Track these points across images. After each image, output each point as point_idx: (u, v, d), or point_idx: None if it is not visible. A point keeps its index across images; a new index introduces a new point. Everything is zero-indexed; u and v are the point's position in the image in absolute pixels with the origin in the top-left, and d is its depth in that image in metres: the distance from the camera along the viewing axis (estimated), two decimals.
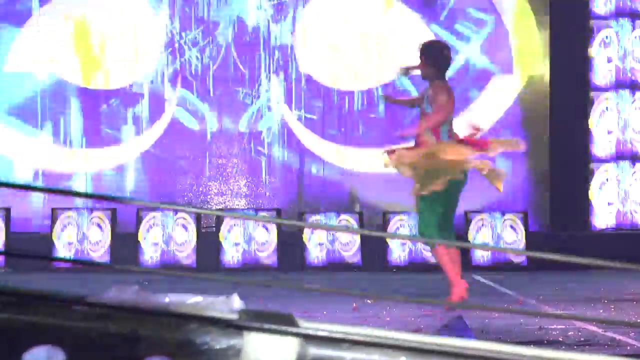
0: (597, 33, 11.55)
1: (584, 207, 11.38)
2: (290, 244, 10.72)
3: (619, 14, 11.54)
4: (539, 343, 5.89)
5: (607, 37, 11.57)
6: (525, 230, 10.94)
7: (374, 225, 11.16)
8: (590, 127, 11.53)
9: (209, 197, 11.81)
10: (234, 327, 1.39)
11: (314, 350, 1.41)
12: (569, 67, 11.51)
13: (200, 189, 11.84)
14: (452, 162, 7.60)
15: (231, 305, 1.43)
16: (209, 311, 1.41)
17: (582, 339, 6.10)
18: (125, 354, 1.37)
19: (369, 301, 7.93)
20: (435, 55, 7.83)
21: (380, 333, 1.43)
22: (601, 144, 11.50)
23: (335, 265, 10.92)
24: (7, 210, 10.83)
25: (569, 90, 11.51)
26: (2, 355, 1.34)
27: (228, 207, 11.69)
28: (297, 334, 1.40)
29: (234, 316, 1.41)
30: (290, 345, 1.40)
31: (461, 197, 7.64)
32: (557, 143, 11.57)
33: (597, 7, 11.56)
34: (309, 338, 1.40)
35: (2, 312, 1.34)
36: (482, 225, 11.11)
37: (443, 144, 7.70)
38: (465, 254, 10.63)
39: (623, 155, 11.48)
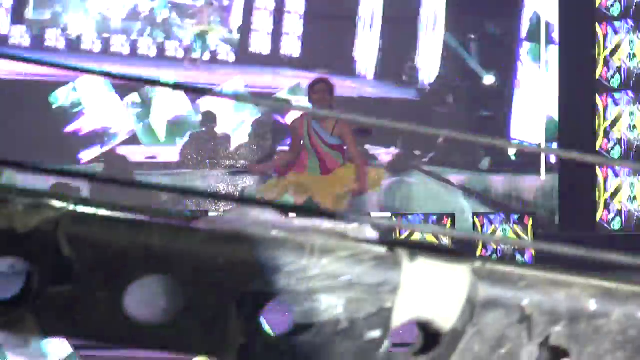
0: (605, 33, 11.18)
1: (593, 208, 11.03)
2: None
3: (627, 14, 11.17)
4: None
5: (615, 37, 11.20)
6: (533, 232, 10.54)
7: None
8: (598, 127, 11.17)
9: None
10: (394, 258, 1.06)
11: (486, 288, 1.07)
12: (576, 68, 11.17)
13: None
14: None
15: (365, 235, 1.09)
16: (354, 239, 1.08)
17: None
18: (252, 288, 1.03)
19: None
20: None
21: (563, 276, 1.10)
22: (609, 145, 11.14)
23: None
24: None
25: (577, 91, 11.17)
26: (106, 284, 1.01)
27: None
28: (467, 268, 1.07)
29: (384, 247, 1.07)
30: (459, 281, 1.06)
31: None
32: (566, 144, 11.24)
33: (605, 7, 11.18)
34: (480, 274, 1.07)
35: (108, 235, 1.01)
36: (490, 226, 10.73)
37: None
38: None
39: (632, 156, 11.12)
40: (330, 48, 12.20)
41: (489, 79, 12.58)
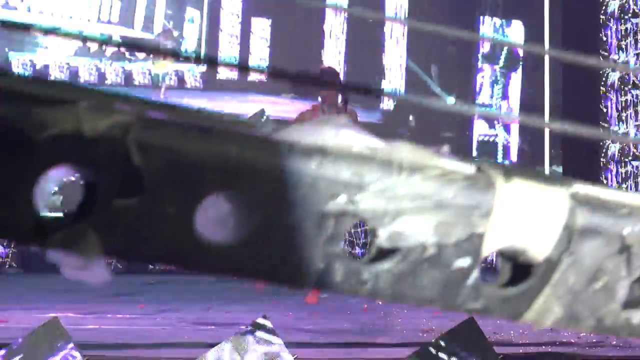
0: (610, 30, 11.19)
1: None
2: None
3: (633, 12, 11.19)
4: (551, 344, 5.48)
5: (621, 34, 11.20)
6: None
7: None
8: (604, 125, 11.15)
9: None
10: (487, 178, 0.95)
11: (585, 214, 0.96)
12: (580, 68, 11.16)
13: None
14: None
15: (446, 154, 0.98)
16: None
17: (594, 340, 5.69)
18: (335, 208, 0.92)
19: (379, 302, 7.51)
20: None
21: None
22: (615, 143, 11.12)
23: None
24: None
25: (582, 88, 11.15)
26: (177, 199, 0.89)
27: None
28: (565, 192, 0.96)
29: (474, 167, 0.96)
30: (557, 206, 0.95)
31: None
32: (571, 143, 11.20)
33: (610, 4, 11.20)
34: (579, 199, 0.96)
35: (183, 143, 0.88)
36: None
37: None
38: None
39: (638, 154, 11.12)
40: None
41: (450, 101, 12.61)
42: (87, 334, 5.76)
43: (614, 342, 5.61)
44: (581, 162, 11.17)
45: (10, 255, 10.34)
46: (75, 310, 7.10)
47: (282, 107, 11.92)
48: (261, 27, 12.45)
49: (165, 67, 12.11)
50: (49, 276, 9.73)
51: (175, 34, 12.24)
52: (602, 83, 11.18)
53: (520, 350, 5.25)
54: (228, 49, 12.40)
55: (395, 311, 7.12)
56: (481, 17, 12.63)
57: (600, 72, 11.08)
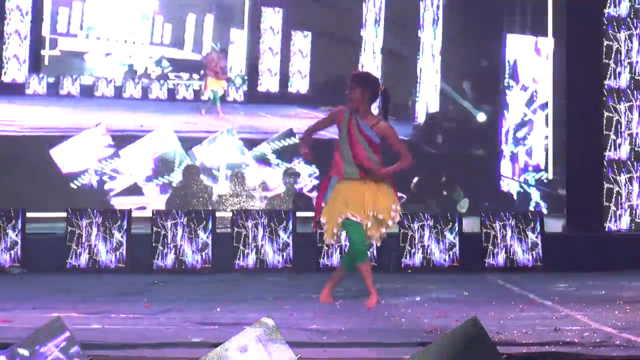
0: (612, 34, 11.08)
1: (600, 208, 10.91)
2: (305, 245, 10.13)
3: (634, 14, 11.09)
4: (555, 344, 5.37)
5: (623, 38, 11.10)
6: (541, 232, 10.30)
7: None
8: (606, 128, 11.05)
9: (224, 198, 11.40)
10: None
11: None
12: (585, 70, 11.08)
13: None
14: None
15: None
16: None
17: (597, 340, 5.57)
18: None
19: (382, 301, 7.41)
20: (375, 89, 7.21)
21: None
22: (617, 146, 11.02)
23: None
24: (23, 211, 10.23)
25: (585, 92, 11.06)
26: None
27: (243, 207, 11.35)
28: None
29: None
30: None
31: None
32: (574, 144, 11.10)
33: (612, 8, 11.09)
34: None
35: None
36: (498, 225, 10.45)
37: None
38: (481, 255, 10.13)
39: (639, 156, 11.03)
40: (335, 86, 12.25)
41: (481, 117, 12.49)
42: (91, 333, 5.68)
43: (617, 342, 5.48)
44: (586, 160, 11.09)
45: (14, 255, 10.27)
46: (79, 310, 7.00)
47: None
48: (301, 41, 12.56)
49: (219, 87, 12.31)
50: (52, 276, 9.65)
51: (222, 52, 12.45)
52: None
53: (524, 350, 5.14)
54: (269, 64, 12.53)
55: (399, 311, 7.03)
56: (507, 35, 12.60)
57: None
